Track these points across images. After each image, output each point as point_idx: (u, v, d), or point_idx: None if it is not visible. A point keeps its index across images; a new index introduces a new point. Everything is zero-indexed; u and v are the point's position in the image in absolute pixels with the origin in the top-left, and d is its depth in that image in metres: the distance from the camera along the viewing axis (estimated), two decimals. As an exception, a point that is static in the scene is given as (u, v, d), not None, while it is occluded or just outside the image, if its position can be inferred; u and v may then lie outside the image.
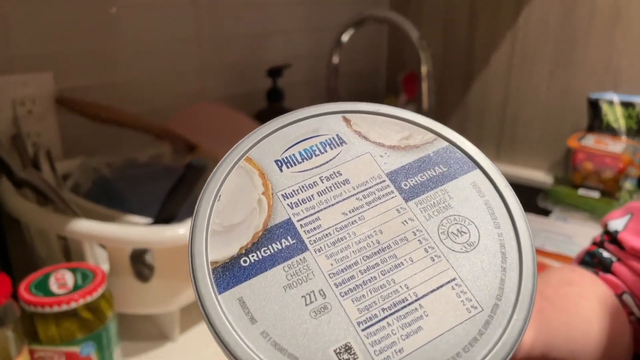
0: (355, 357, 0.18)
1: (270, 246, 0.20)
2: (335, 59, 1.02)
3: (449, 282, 0.20)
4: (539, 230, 0.83)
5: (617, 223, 0.46)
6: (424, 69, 0.97)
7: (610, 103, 1.02)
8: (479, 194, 0.22)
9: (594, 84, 1.06)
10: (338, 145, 0.23)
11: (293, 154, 0.23)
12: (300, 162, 0.23)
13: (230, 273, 0.20)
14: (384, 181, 0.22)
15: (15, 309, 0.45)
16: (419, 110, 1.29)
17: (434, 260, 0.20)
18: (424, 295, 0.19)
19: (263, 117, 0.96)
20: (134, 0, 0.77)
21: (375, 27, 1.26)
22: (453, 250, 0.20)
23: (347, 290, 0.19)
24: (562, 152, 1.12)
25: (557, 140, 1.12)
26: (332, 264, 0.20)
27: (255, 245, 0.20)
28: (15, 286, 0.47)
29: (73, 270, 0.50)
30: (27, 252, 0.64)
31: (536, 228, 0.84)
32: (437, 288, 0.20)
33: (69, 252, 0.57)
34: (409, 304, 0.19)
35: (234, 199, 0.21)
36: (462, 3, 1.18)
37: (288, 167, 0.22)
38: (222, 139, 0.78)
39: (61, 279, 0.49)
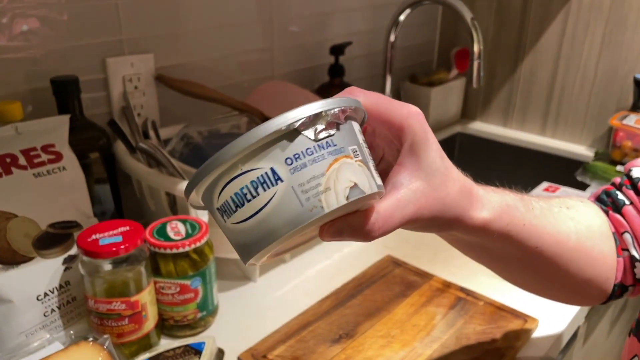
0: None
1: None
2: (392, 37, 1.10)
3: None
4: (574, 203, 0.91)
5: None
6: (476, 48, 1.03)
7: (656, 84, 1.06)
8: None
9: (642, 65, 1.11)
10: None
11: None
12: None
13: None
14: None
15: (146, 250, 0.59)
16: (468, 85, 1.35)
17: None
18: None
19: (325, 90, 1.06)
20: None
21: (430, 5, 1.32)
22: None
23: None
24: (604, 129, 1.17)
25: (601, 117, 1.18)
26: None
27: None
28: (143, 232, 0.61)
29: (184, 222, 0.64)
30: (136, 204, 0.78)
31: (571, 200, 0.92)
32: None
33: (175, 206, 0.70)
34: None
35: None
36: (517, -19, 1.23)
37: None
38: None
39: (175, 228, 0.63)
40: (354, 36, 1.15)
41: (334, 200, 0.29)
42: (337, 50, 1.04)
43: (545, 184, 1.01)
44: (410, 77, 1.29)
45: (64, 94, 0.69)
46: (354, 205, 0.31)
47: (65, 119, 0.63)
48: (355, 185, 0.30)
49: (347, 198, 0.30)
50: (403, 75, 1.30)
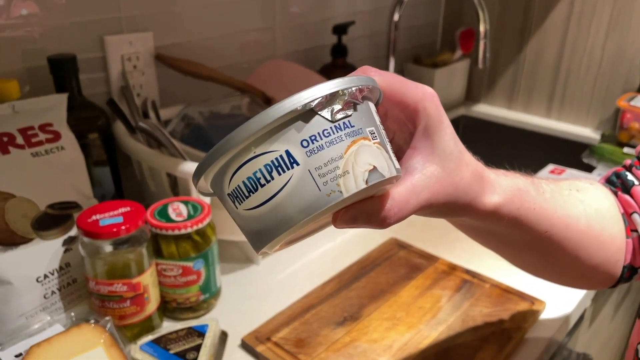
0: None
1: None
2: (396, 16, 1.08)
3: None
4: (580, 185, 0.90)
5: None
6: (482, 28, 1.01)
7: (664, 64, 1.04)
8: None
9: (650, 45, 1.08)
10: None
11: None
12: None
13: None
14: None
15: (147, 231, 0.58)
16: (473, 67, 1.33)
17: None
18: None
19: (327, 71, 1.04)
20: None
21: (435, -17, 1.29)
22: None
23: None
24: (611, 111, 1.15)
25: (608, 99, 1.16)
26: None
27: None
28: (144, 213, 0.59)
29: (185, 203, 0.62)
30: (137, 186, 0.77)
31: (577, 183, 0.91)
32: None
33: (177, 187, 0.69)
34: None
35: None
36: (523, -40, 1.20)
37: None
38: (294, 92, 0.87)
39: (177, 209, 0.61)
40: (357, 15, 1.12)
41: (353, 184, 0.28)
42: (340, 29, 1.02)
43: (551, 166, 0.99)
44: (414, 59, 1.27)
45: (62, 72, 0.67)
46: (373, 190, 0.30)
47: (63, 98, 0.62)
48: (375, 168, 0.29)
49: (367, 182, 0.28)
50: (407, 57, 1.28)
